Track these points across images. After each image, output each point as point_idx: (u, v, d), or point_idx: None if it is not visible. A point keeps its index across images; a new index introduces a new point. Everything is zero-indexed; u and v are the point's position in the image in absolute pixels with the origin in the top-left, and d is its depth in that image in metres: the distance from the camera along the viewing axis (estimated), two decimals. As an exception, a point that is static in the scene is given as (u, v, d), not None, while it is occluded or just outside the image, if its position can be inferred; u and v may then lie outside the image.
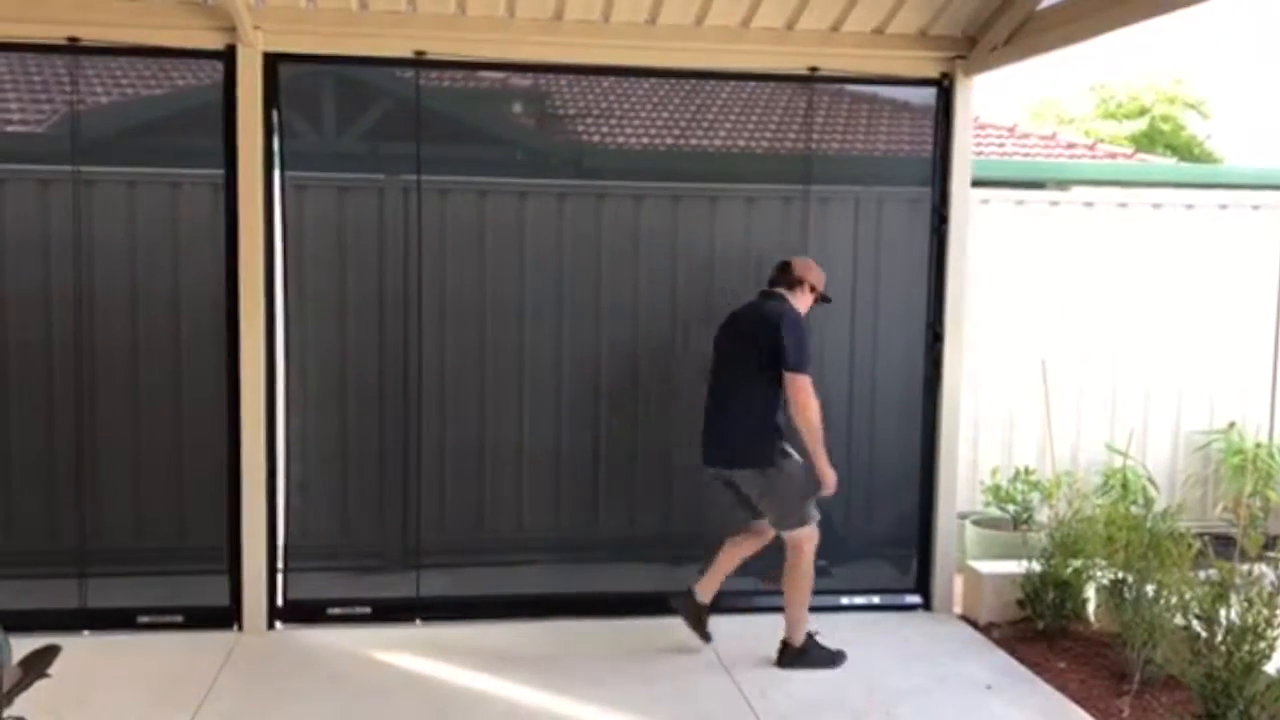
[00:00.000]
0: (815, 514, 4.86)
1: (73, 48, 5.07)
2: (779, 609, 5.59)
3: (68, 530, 5.29)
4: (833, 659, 4.94)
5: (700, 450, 4.99)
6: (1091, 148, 11.74)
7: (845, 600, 5.60)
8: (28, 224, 5.25)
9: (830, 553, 5.69)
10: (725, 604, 5.59)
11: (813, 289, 5.05)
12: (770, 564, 5.30)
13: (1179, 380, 7.42)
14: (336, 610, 5.40)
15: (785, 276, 5.03)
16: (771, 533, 4.96)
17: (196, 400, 5.34)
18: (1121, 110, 24.74)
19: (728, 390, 4.93)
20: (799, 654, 4.91)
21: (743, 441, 4.83)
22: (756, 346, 4.80)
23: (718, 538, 5.58)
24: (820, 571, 5.53)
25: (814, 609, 5.53)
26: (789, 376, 4.69)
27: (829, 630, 5.18)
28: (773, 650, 5.01)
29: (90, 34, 5.04)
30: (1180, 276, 7.37)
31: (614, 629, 5.35)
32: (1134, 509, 5.81)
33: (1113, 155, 11.66)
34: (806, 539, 4.84)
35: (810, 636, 4.97)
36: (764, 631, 5.29)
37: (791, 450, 4.85)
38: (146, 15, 5.04)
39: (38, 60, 5.24)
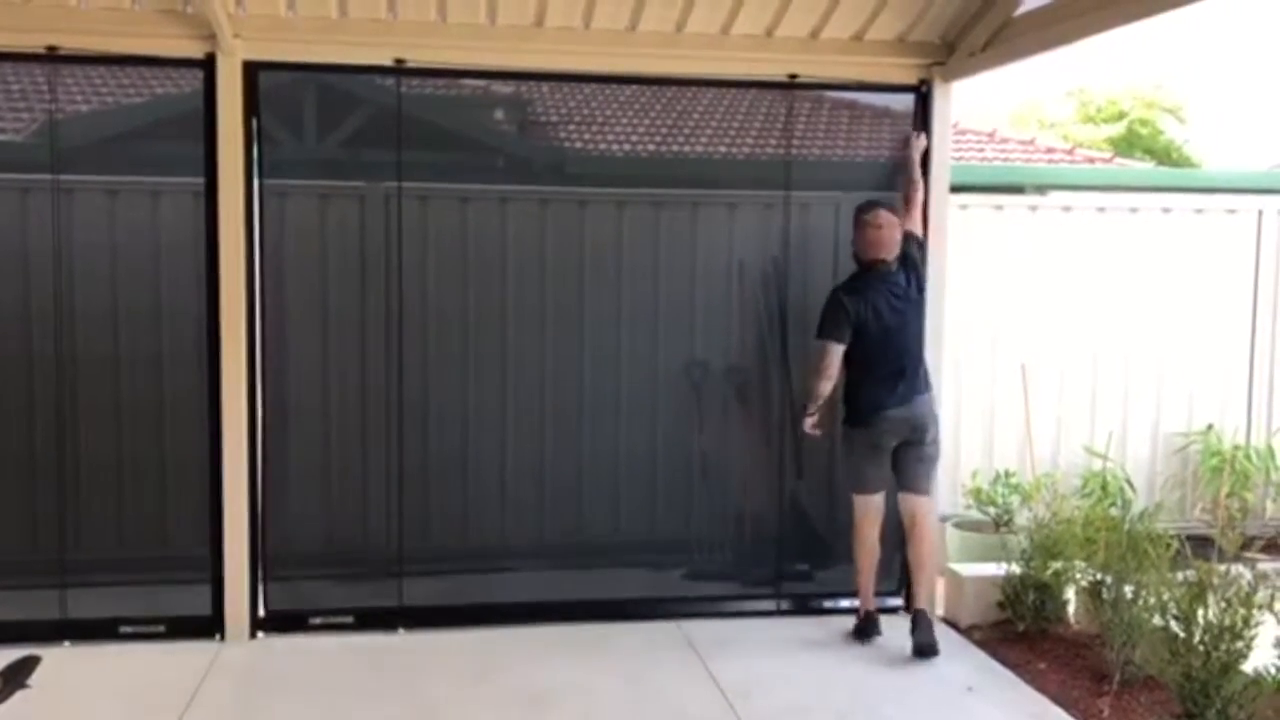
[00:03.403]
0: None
1: (52, 56, 5.05)
2: (761, 613, 5.62)
3: (48, 540, 5.25)
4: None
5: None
6: (1070, 152, 11.81)
7: (828, 604, 5.62)
8: (6, 233, 5.21)
9: (812, 556, 5.73)
10: (709, 609, 5.62)
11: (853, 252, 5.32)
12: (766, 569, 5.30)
13: (1158, 382, 7.48)
14: (319, 619, 5.39)
15: None
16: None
17: (177, 408, 5.31)
18: (1100, 115, 24.95)
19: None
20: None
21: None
22: None
23: (702, 542, 5.60)
24: (801, 575, 5.56)
25: (797, 613, 5.58)
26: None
27: (810, 631, 5.24)
28: (758, 652, 5.09)
29: (69, 43, 5.02)
30: (1158, 280, 7.43)
31: (597, 634, 5.34)
32: (1113, 511, 5.85)
33: (1091, 160, 11.73)
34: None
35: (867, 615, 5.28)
36: (745, 634, 5.32)
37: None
38: (126, 24, 5.02)
39: (16, 69, 5.20)
